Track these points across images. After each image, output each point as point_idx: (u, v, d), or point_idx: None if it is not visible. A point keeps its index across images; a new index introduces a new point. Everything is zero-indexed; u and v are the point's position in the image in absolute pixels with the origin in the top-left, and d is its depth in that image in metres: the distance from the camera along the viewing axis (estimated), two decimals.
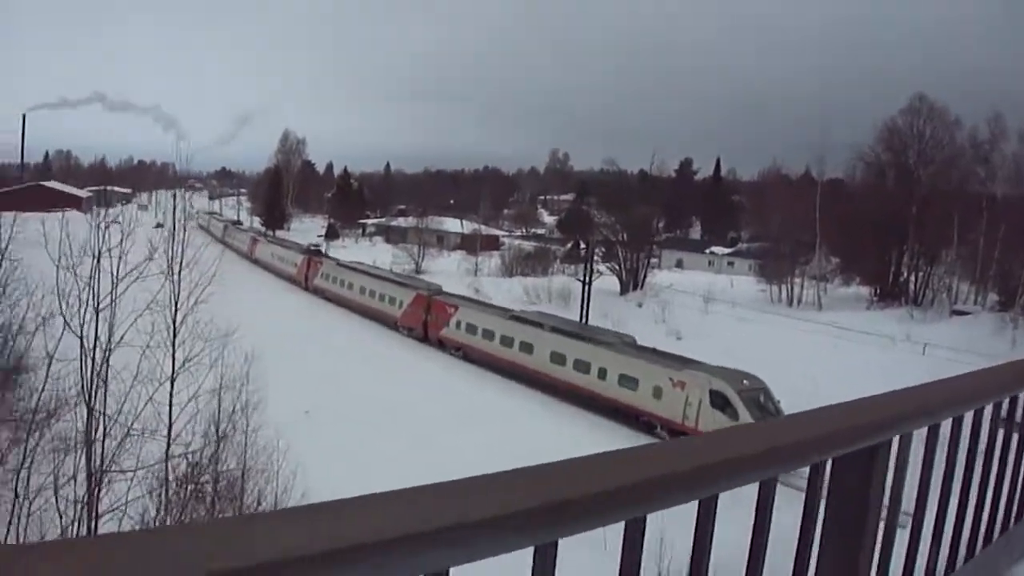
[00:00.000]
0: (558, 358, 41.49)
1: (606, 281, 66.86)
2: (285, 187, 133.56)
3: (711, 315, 56.81)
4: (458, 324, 49.73)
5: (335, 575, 1.29)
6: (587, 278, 54.91)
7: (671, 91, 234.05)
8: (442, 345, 50.88)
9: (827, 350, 44.93)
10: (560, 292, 62.70)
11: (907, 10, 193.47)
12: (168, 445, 19.16)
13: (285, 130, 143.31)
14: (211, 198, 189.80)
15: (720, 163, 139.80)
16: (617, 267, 67.95)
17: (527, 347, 44.12)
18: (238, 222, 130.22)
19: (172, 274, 21.47)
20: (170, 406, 19.52)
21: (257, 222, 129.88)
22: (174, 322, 20.57)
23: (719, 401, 32.76)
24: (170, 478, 19.44)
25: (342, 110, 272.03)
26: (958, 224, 57.49)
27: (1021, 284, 53.10)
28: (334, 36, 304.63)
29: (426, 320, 52.59)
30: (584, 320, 52.78)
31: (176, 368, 20.10)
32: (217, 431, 19.45)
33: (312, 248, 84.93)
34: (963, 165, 61.07)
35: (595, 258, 68.25)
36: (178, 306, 20.88)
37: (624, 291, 66.16)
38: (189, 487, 18.97)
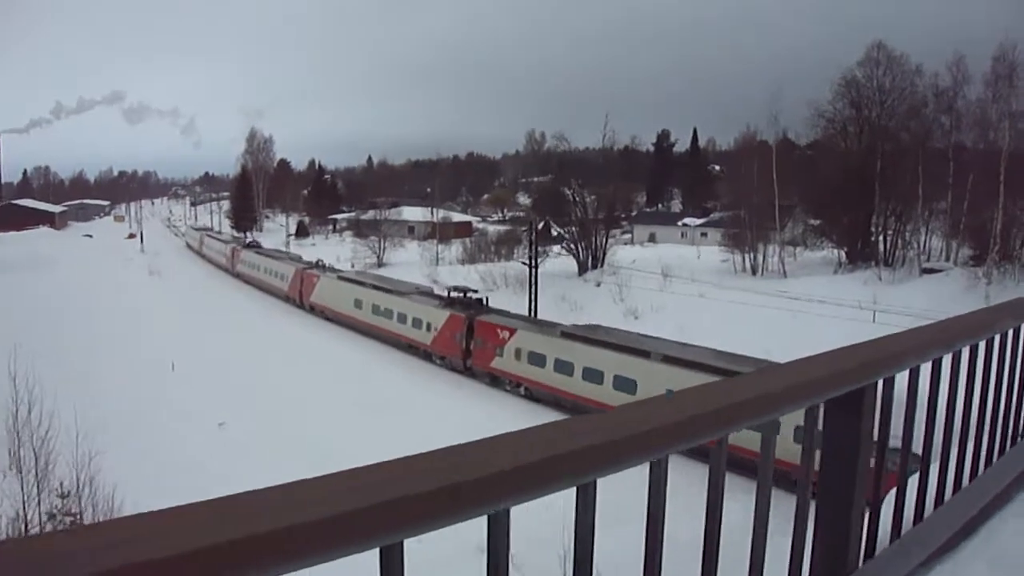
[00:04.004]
0: None
1: (566, 263, 64.50)
2: (255, 188, 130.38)
3: (670, 291, 54.01)
4: None
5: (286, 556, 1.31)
6: (532, 261, 51.78)
7: (646, 65, 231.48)
8: None
9: (780, 322, 42.21)
10: (517, 277, 59.98)
11: None
12: None
13: (251, 129, 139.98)
14: (193, 204, 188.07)
15: (697, 133, 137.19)
16: (574, 247, 65.12)
17: None
18: (253, 243, 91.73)
19: None
20: None
21: (227, 226, 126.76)
22: None
23: None
24: None
25: (330, 107, 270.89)
26: (925, 177, 54.53)
27: (992, 236, 50.01)
28: (321, 36, 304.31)
29: None
30: (534, 306, 49.85)
31: None
32: None
33: (463, 296, 46.94)
34: (927, 115, 57.76)
35: (564, 238, 66.11)
36: None
37: (582, 271, 63.31)
38: None
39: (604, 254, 65.18)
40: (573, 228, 66.84)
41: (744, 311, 45.23)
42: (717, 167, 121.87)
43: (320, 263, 66.89)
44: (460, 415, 32.57)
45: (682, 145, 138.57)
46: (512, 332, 39.68)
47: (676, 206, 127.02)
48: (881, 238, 58.49)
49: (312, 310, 60.64)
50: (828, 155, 62.74)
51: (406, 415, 32.71)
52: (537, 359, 37.17)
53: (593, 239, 65.78)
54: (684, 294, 52.54)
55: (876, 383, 2.86)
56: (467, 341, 42.32)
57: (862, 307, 42.28)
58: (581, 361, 34.61)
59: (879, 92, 59.45)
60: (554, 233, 70.79)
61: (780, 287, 51.77)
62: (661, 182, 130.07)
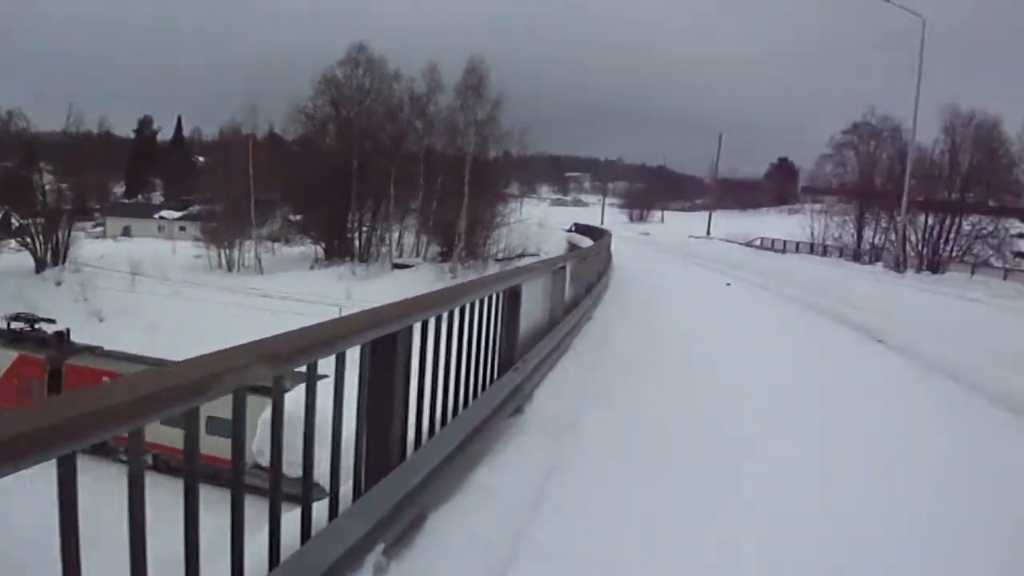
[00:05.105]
0: None
1: (24, 258, 57.41)
2: None
3: (143, 291, 50.17)
4: None
5: None
6: None
7: (126, 47, 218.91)
8: None
9: (262, 321, 40.86)
10: None
11: None
12: None
13: None
14: None
15: (182, 122, 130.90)
16: (30, 241, 58.02)
17: None
18: None
19: None
20: None
21: None
22: None
23: None
24: None
25: None
26: (399, 177, 56.51)
27: (458, 234, 53.31)
28: None
29: None
30: None
31: None
32: None
33: (31, 328, 32.84)
34: (403, 119, 59.89)
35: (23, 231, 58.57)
36: None
37: (41, 268, 56.61)
38: None
39: (67, 249, 58.75)
40: (37, 220, 59.10)
41: (222, 310, 43.32)
42: (203, 159, 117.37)
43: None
44: None
45: (167, 133, 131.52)
46: None
47: (159, 198, 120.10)
48: (357, 234, 59.63)
49: None
50: (310, 152, 62.46)
51: None
52: None
53: (51, 233, 58.91)
54: (157, 294, 49.27)
55: None
56: (50, 395, 26.68)
57: (336, 303, 42.42)
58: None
59: (359, 93, 60.39)
60: (15, 225, 62.36)
61: (256, 283, 50.66)
62: (143, 172, 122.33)
